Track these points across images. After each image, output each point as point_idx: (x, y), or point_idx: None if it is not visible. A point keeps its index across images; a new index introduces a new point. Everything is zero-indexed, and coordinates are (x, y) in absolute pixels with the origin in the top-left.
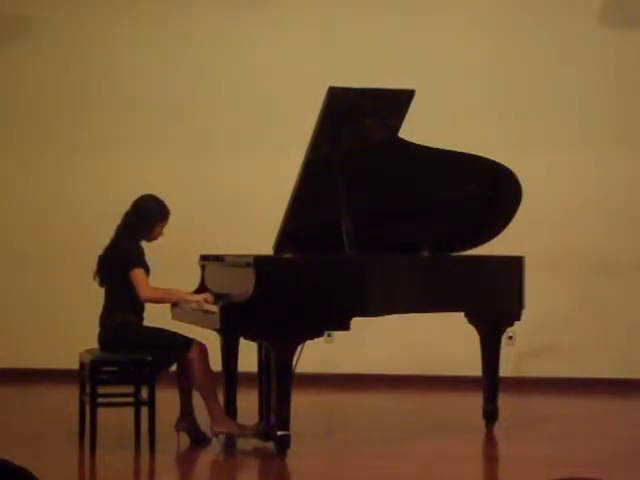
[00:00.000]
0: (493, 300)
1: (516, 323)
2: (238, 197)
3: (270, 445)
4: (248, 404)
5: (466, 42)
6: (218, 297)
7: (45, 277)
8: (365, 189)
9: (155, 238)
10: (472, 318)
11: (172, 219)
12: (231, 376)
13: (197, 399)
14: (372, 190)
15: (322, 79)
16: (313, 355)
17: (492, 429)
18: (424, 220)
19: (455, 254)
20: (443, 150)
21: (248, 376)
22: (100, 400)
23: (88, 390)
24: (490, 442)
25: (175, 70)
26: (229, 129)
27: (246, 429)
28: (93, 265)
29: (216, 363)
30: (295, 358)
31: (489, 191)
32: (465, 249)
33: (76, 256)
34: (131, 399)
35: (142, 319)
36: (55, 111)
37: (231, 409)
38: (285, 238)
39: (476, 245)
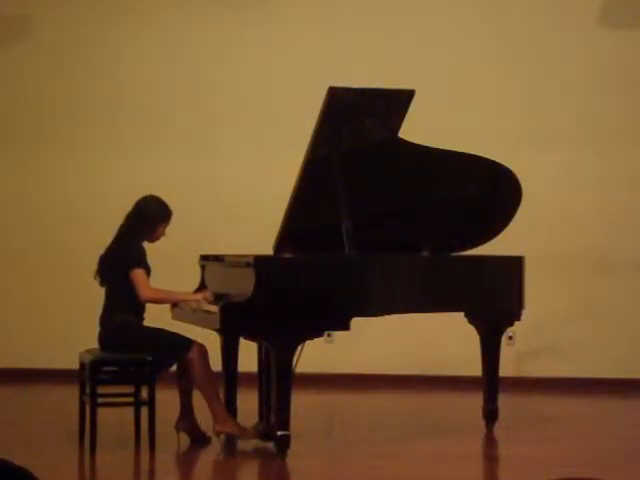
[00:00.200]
0: (493, 300)
1: (516, 323)
2: (238, 197)
3: (270, 445)
4: (248, 404)
5: (466, 42)
6: (218, 297)
7: (45, 277)
8: (365, 189)
9: (157, 239)
10: (472, 318)
11: (172, 219)
12: (231, 376)
13: (197, 399)
14: (372, 190)
15: (322, 79)
16: (313, 355)
17: (492, 429)
18: (424, 220)
19: (455, 254)
20: (443, 150)
21: (248, 376)
22: (100, 400)
23: (88, 390)
24: (490, 442)
25: (175, 70)
26: (229, 129)
27: (247, 431)
28: (93, 265)
29: (216, 363)
30: (295, 358)
31: (489, 191)
32: (465, 249)
33: (76, 256)
34: (131, 399)
35: (142, 319)
36: (55, 111)
37: (231, 409)
38: (285, 238)
39: (476, 245)
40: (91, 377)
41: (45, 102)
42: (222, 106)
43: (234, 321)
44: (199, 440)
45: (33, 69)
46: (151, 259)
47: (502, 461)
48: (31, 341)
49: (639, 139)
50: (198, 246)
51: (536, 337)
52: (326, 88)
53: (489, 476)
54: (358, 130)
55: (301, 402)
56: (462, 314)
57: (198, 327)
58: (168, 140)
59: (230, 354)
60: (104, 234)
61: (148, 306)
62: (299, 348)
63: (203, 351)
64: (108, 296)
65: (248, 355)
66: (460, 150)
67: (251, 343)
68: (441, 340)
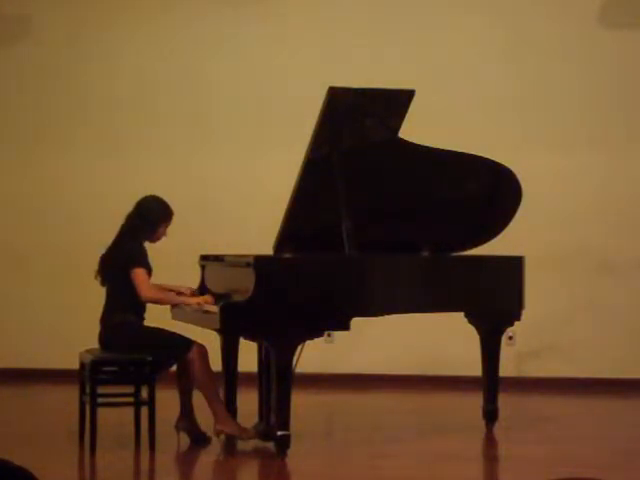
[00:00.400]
0: (493, 300)
1: (516, 323)
2: (238, 197)
3: (270, 445)
4: (248, 404)
5: (466, 42)
6: (218, 297)
7: (45, 277)
8: (365, 189)
9: (158, 239)
10: (472, 318)
11: (173, 219)
12: (231, 376)
13: (197, 399)
14: (372, 190)
15: (322, 79)
16: (313, 355)
17: (492, 429)
18: (424, 220)
19: (455, 254)
20: (443, 150)
21: (248, 376)
22: (100, 400)
23: (88, 390)
24: (490, 442)
25: (175, 70)
26: (229, 129)
27: (247, 432)
28: (93, 265)
29: (216, 363)
30: (295, 358)
31: (489, 191)
32: (465, 249)
33: (76, 256)
34: (131, 399)
35: (143, 319)
36: (54, 111)
37: (231, 409)
38: (285, 238)
39: (476, 245)
40: (91, 377)
41: (45, 102)
42: (222, 106)
43: (234, 321)
44: (199, 440)
45: (33, 69)
46: (151, 259)
47: (502, 461)
48: (31, 341)
49: (639, 139)
50: (198, 246)
51: (536, 337)
52: (326, 88)
53: (489, 476)
54: (358, 130)
55: (301, 402)
56: (462, 314)
57: (198, 327)
58: (168, 140)
59: (230, 354)
60: (104, 234)
61: (148, 306)
62: (299, 348)
63: (203, 351)
64: (109, 296)
65: (248, 355)
66: (460, 150)
67: (251, 343)
68: (441, 340)
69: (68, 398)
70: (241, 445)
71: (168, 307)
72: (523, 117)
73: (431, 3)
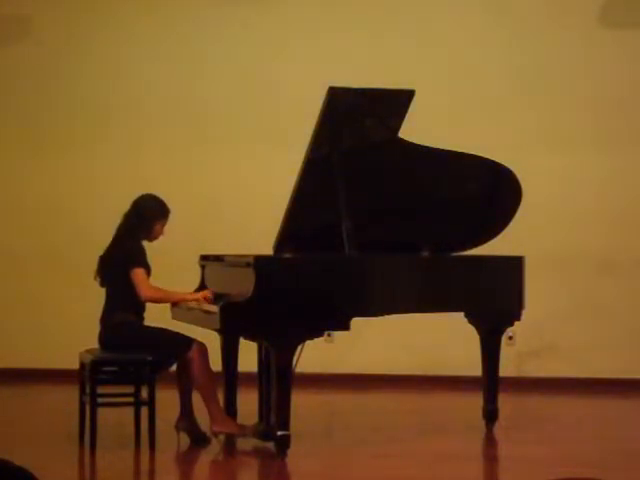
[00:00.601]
0: (493, 300)
1: (516, 323)
2: (238, 197)
3: (270, 445)
4: (248, 404)
5: (466, 42)
6: (218, 297)
7: (45, 277)
8: (365, 189)
9: (156, 237)
10: (472, 318)
11: (172, 219)
12: (231, 376)
13: (197, 399)
14: (372, 190)
15: (322, 79)
16: (313, 355)
17: (492, 429)
18: (424, 220)
19: (455, 254)
20: (443, 150)
21: (248, 376)
22: (100, 400)
23: (88, 390)
24: (490, 442)
25: (175, 69)
26: (229, 128)
27: (246, 429)
28: (93, 265)
29: (216, 363)
30: (295, 358)
31: (489, 191)
32: (465, 249)
33: (76, 256)
34: (131, 399)
35: (142, 319)
36: (54, 111)
37: (231, 409)
38: (285, 238)
39: (476, 245)
40: (91, 377)
41: (45, 102)
42: (222, 105)
43: (234, 321)
44: (199, 440)
45: (33, 69)
46: (151, 259)
47: (502, 461)
48: (31, 341)
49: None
50: (198, 246)
51: (536, 337)
52: (326, 88)
53: (489, 476)
54: (358, 130)
55: (301, 402)
56: (462, 314)
57: (198, 327)
58: (168, 140)
59: (230, 354)
60: (104, 234)
61: (148, 306)
62: (299, 348)
63: (203, 350)
64: (108, 296)
65: (248, 355)
66: (460, 150)
67: (251, 343)
68: (441, 340)
69: (68, 398)
70: (241, 445)
71: (168, 307)
72: (523, 117)
73: (431, 3)
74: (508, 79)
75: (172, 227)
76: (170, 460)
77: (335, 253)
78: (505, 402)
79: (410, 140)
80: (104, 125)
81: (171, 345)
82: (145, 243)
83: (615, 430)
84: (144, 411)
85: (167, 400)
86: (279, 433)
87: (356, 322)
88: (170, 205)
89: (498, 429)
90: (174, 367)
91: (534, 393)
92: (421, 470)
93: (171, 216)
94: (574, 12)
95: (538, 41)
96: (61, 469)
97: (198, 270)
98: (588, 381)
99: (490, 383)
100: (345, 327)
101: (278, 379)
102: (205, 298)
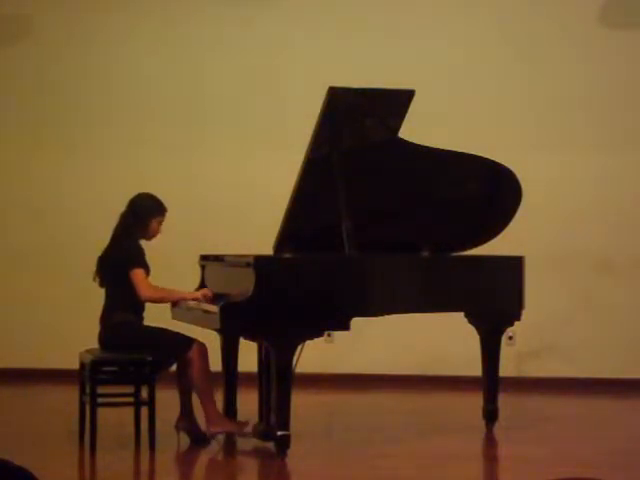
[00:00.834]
0: (493, 300)
1: (516, 323)
2: (238, 197)
3: (270, 445)
4: (248, 404)
5: (466, 42)
6: (218, 297)
7: (45, 277)
8: (365, 189)
9: (153, 235)
10: (472, 318)
11: (172, 219)
12: (231, 376)
13: (197, 399)
14: (372, 190)
15: (322, 79)
16: (313, 355)
17: (492, 429)
18: (424, 220)
19: (455, 254)
20: (443, 150)
21: (248, 376)
22: (100, 400)
23: (88, 390)
24: (490, 442)
25: (175, 69)
26: (229, 128)
27: (243, 426)
28: (92, 265)
29: (216, 363)
30: (295, 358)
31: (489, 191)
32: (465, 249)
33: (76, 256)
34: (131, 399)
35: (142, 319)
36: (54, 111)
37: (231, 409)
38: (285, 238)
39: (476, 245)
40: (91, 377)
41: (45, 102)
42: (222, 105)
43: (234, 321)
44: (199, 440)
45: (33, 69)
46: (151, 259)
47: (502, 461)
48: (31, 341)
49: (639, 139)
50: (198, 246)
51: (536, 337)
52: (326, 88)
53: (489, 476)
54: (358, 130)
55: (301, 402)
56: (462, 314)
57: (198, 327)
58: (168, 140)
59: (230, 354)
60: (103, 234)
61: (148, 306)
62: (299, 348)
63: (203, 350)
64: (108, 296)
65: (248, 355)
66: (460, 150)
67: (251, 343)
68: (441, 340)
69: (68, 398)
70: (241, 445)
71: (168, 307)
72: (523, 117)
73: (431, 3)
74: (508, 79)
75: (172, 227)
76: (170, 460)
77: (335, 253)
78: (505, 402)
79: (410, 140)
80: (104, 125)
81: (171, 345)
82: (144, 243)
83: (615, 430)
84: (144, 411)
85: (167, 400)
86: (279, 433)
87: (356, 322)
88: (170, 205)
89: (498, 429)
90: (174, 367)
91: (534, 393)
92: (421, 470)
93: (171, 216)
94: (574, 12)
95: (538, 41)
96: (61, 469)
97: (198, 270)
98: (588, 381)
99: (490, 383)
100: (345, 327)
101: (278, 379)
102: (204, 296)
